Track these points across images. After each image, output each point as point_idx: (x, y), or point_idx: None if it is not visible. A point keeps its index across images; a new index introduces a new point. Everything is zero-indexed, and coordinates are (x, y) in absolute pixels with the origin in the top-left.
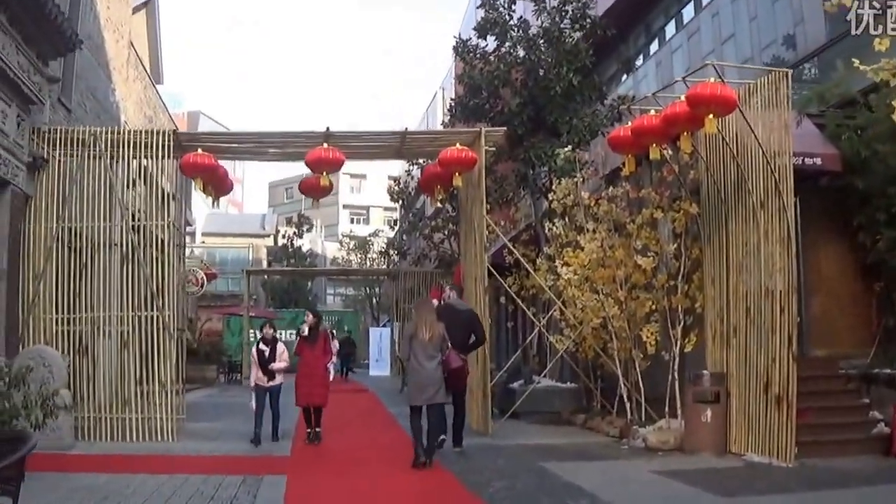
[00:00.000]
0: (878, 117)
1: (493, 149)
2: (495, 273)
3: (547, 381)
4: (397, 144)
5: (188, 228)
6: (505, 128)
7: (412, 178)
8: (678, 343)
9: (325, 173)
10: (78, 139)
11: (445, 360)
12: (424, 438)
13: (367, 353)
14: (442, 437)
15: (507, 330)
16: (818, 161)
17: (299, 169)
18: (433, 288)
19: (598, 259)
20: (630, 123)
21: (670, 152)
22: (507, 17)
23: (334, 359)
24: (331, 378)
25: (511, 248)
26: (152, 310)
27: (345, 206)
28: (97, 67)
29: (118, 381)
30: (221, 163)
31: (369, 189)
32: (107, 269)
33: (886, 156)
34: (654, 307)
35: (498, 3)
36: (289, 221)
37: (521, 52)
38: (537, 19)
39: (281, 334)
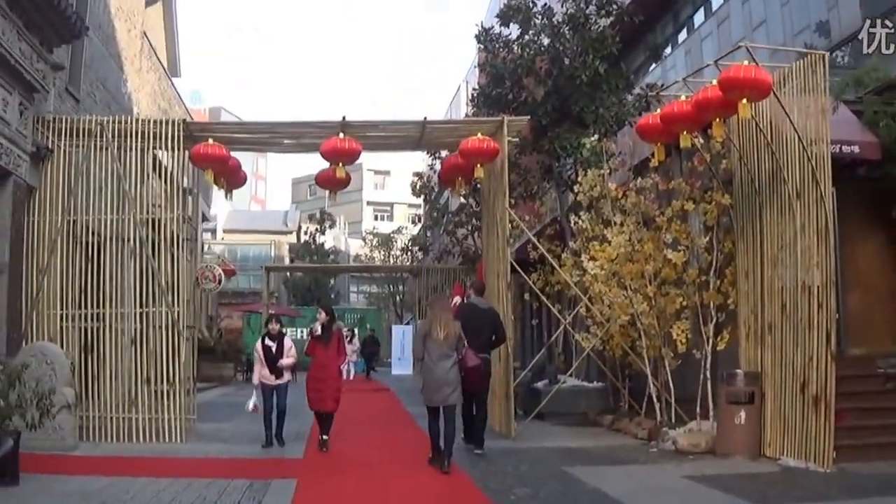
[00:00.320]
0: None
1: (517, 139)
2: (519, 269)
3: (573, 381)
4: (417, 135)
5: (208, 224)
6: (528, 117)
7: (434, 172)
8: (710, 341)
9: (340, 164)
10: (84, 129)
11: (462, 359)
12: (442, 441)
13: (390, 351)
14: (472, 447)
15: (532, 328)
16: (855, 149)
17: (324, 164)
18: (456, 284)
19: (626, 253)
20: (659, 111)
21: (701, 141)
22: (530, 3)
23: (351, 359)
24: (351, 377)
25: (536, 242)
26: (162, 306)
27: (368, 203)
28: (108, 57)
29: (125, 379)
30: (236, 155)
31: (393, 185)
32: (115, 264)
33: None
34: (684, 303)
35: None
36: (311, 218)
37: (546, 40)
38: (562, 6)
39: (302, 333)
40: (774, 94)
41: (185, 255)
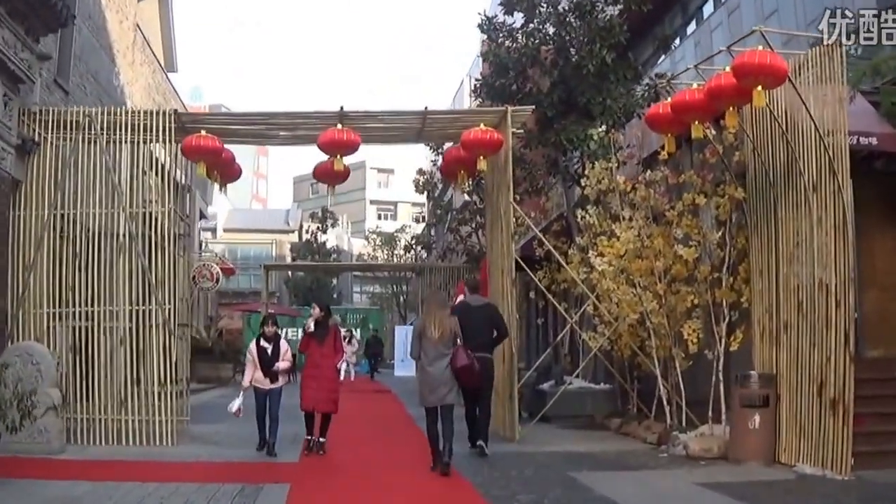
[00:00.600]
0: None
1: (521, 131)
2: (525, 266)
3: (579, 382)
4: (418, 126)
5: (207, 223)
6: (533, 107)
7: (437, 167)
8: (722, 341)
9: (338, 156)
10: (72, 121)
11: (452, 358)
12: (441, 443)
13: (393, 352)
14: (479, 442)
15: (538, 327)
16: (873, 140)
17: (324, 159)
18: (460, 283)
19: (635, 249)
20: (669, 100)
21: (713, 132)
22: None
23: (350, 360)
24: (351, 378)
25: (542, 238)
26: (152, 304)
27: (372, 202)
28: (99, 49)
29: (115, 380)
30: (234, 149)
31: (397, 184)
32: (104, 260)
33: None
34: (696, 302)
35: None
36: (313, 216)
37: (551, 29)
38: None
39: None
40: (790, 81)
41: (178, 252)
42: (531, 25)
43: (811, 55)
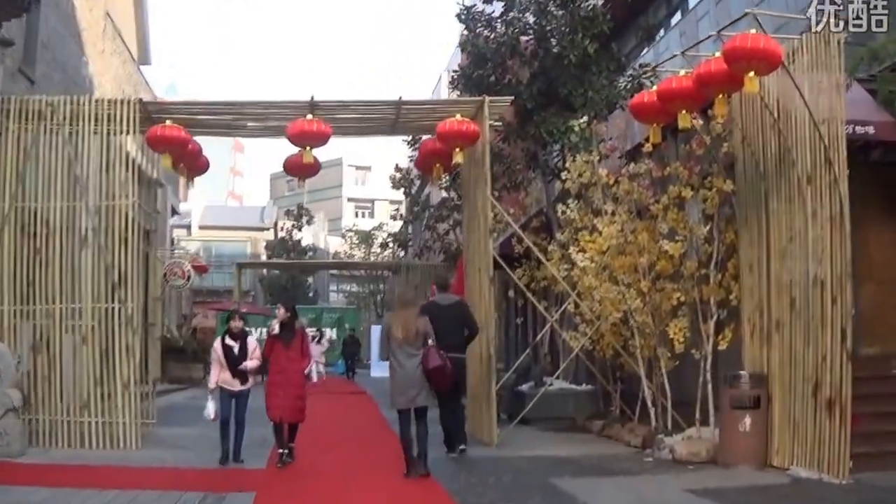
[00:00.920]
0: None
1: (499, 123)
2: (503, 264)
3: (560, 384)
4: (392, 116)
5: (181, 220)
6: (512, 98)
7: (413, 162)
8: (710, 340)
9: (307, 148)
10: (34, 110)
11: (423, 359)
12: (415, 447)
13: (369, 352)
14: (462, 446)
15: (517, 326)
16: (870, 129)
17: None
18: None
19: (618, 245)
20: (655, 88)
21: (701, 122)
22: None
23: (319, 360)
24: (315, 380)
25: (521, 234)
26: (115, 301)
27: (349, 200)
28: (67, 37)
29: (78, 380)
30: (207, 141)
31: (375, 181)
32: (67, 256)
33: None
34: (682, 299)
35: None
36: (288, 214)
37: (531, 18)
38: None
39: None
40: (784, 66)
41: (145, 247)
42: (511, 14)
43: (805, 41)
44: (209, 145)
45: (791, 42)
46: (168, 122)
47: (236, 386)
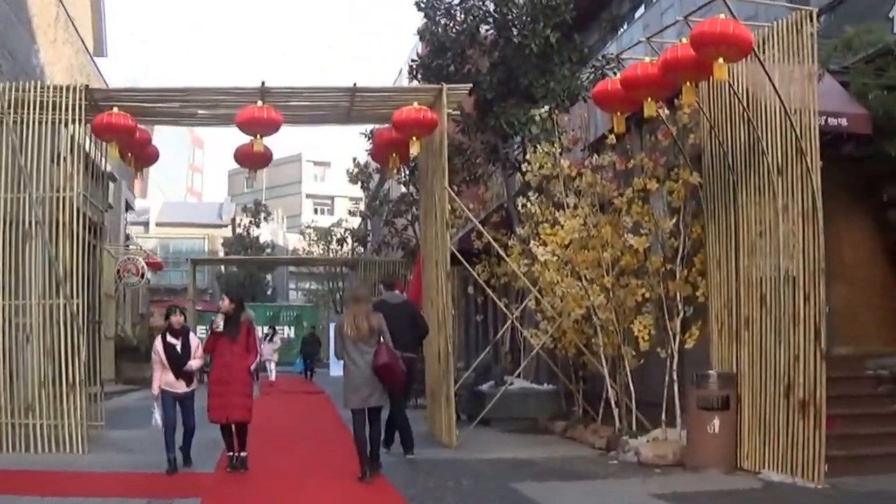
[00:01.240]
0: None
1: (458, 112)
2: (462, 260)
3: (521, 383)
4: (346, 104)
5: (139, 217)
6: (470, 85)
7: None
8: (676, 338)
9: (258, 136)
10: None
11: (374, 356)
12: (369, 448)
13: (328, 351)
14: (409, 455)
15: (477, 324)
16: (843, 122)
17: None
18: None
19: (581, 239)
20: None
21: (667, 112)
22: None
23: (272, 358)
24: (271, 379)
25: (480, 228)
26: (60, 297)
27: (308, 196)
28: (17, 24)
29: (22, 381)
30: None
31: (334, 178)
32: (10, 250)
33: None
34: (647, 296)
35: None
36: (245, 210)
37: (492, 6)
38: None
39: None
40: (755, 54)
41: (90, 240)
42: (470, 2)
43: (777, 28)
44: (167, 141)
45: (761, 30)
46: (115, 110)
47: (180, 388)
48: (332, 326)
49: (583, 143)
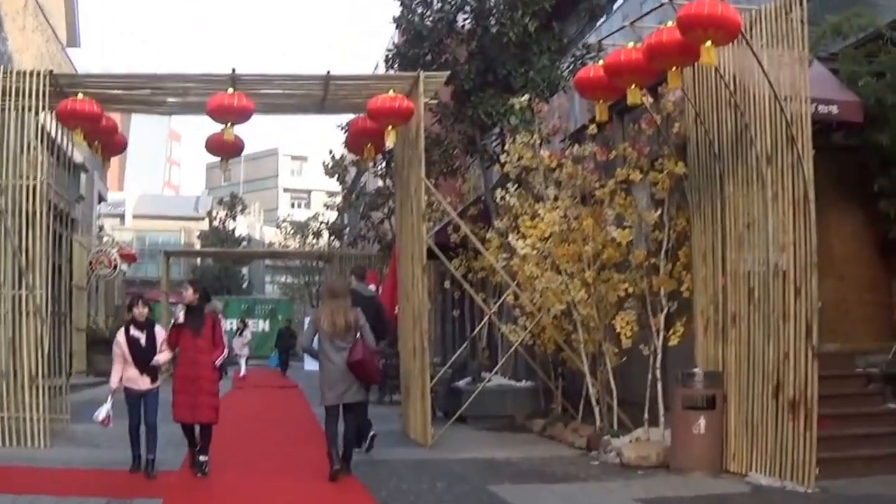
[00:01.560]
0: None
1: (435, 101)
2: (439, 253)
3: (499, 379)
4: (320, 93)
5: (116, 209)
6: (448, 72)
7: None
8: (660, 335)
9: (228, 125)
10: None
11: (349, 352)
12: (340, 445)
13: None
14: (372, 433)
15: (453, 319)
16: (834, 109)
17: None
18: (371, 271)
19: (561, 232)
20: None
21: (650, 100)
22: None
23: (242, 353)
24: (242, 374)
25: (458, 220)
26: (22, 288)
27: (285, 190)
28: None
29: None
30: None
31: (311, 172)
32: None
33: None
34: (629, 290)
35: None
36: (221, 202)
37: None
38: None
39: None
40: (744, 37)
41: (57, 230)
42: None
43: (765, 12)
44: (145, 135)
45: (748, 14)
46: (80, 96)
47: (144, 385)
48: (305, 321)
49: (563, 133)
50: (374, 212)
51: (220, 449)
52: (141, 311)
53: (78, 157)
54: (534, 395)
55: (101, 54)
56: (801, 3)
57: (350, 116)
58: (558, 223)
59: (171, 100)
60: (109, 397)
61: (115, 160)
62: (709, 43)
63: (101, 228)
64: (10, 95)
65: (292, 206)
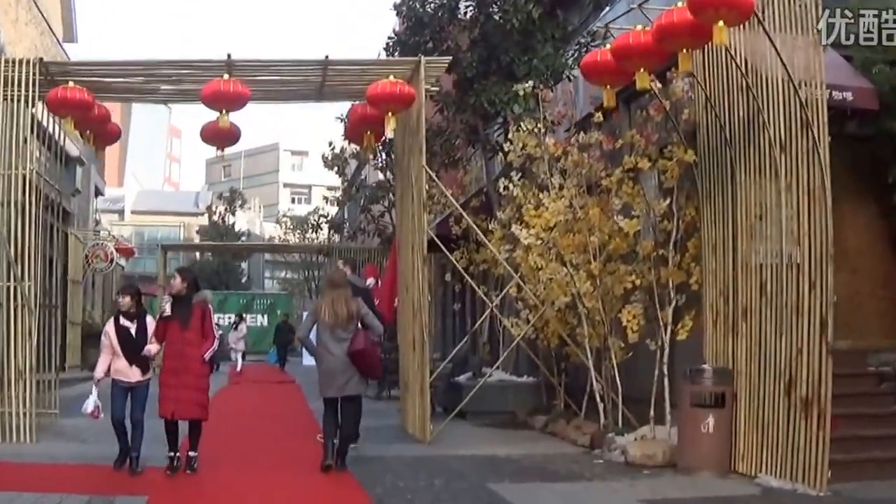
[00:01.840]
0: None
1: (436, 89)
2: (441, 245)
3: (500, 374)
4: (318, 78)
5: (115, 204)
6: (450, 58)
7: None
8: (668, 329)
9: (223, 112)
10: None
11: (350, 342)
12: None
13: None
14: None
15: (454, 313)
16: (848, 96)
17: (238, 145)
18: (369, 265)
19: (566, 223)
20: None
21: (659, 86)
22: None
23: (237, 347)
24: (238, 369)
25: (460, 210)
26: (10, 280)
27: (286, 185)
28: None
29: None
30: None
31: (311, 167)
32: None
33: None
34: (636, 283)
35: None
36: (221, 197)
37: None
38: None
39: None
40: (757, 17)
41: (48, 220)
42: None
43: None
44: (145, 130)
45: None
46: (71, 84)
47: (133, 377)
48: (304, 316)
49: (568, 121)
50: (375, 205)
51: (211, 445)
52: (125, 301)
53: (74, 150)
54: (536, 390)
55: (100, 50)
56: None
57: (349, 108)
58: (563, 213)
59: (165, 87)
60: (94, 388)
61: (114, 156)
62: (721, 23)
63: (97, 222)
64: None
65: (293, 201)
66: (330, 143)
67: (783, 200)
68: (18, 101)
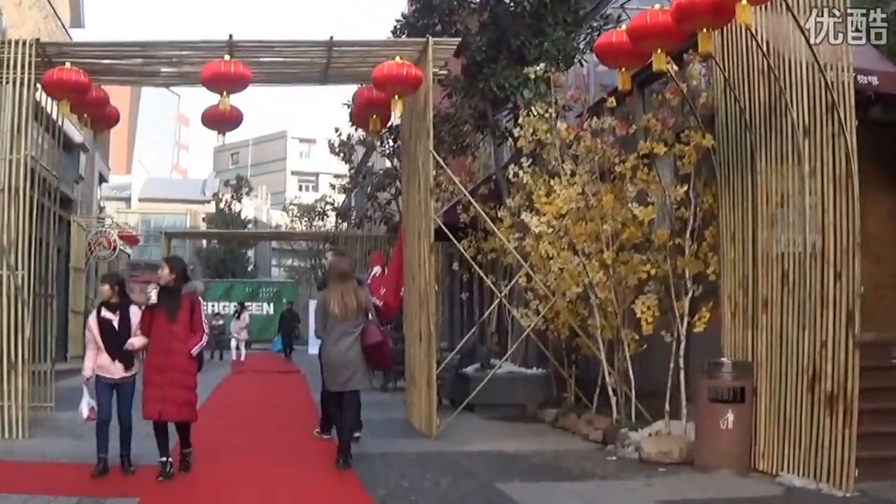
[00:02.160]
0: None
1: (444, 72)
2: (448, 233)
3: (508, 366)
4: (323, 60)
5: (122, 192)
6: (459, 39)
7: (356, 129)
8: (684, 321)
9: (224, 94)
10: None
11: (362, 334)
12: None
13: (308, 327)
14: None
15: (462, 303)
16: (874, 80)
17: (245, 133)
18: (376, 253)
19: (578, 210)
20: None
21: (675, 68)
22: None
23: (240, 336)
24: (242, 359)
25: (469, 197)
26: (3, 269)
27: (293, 173)
28: None
29: None
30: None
31: (319, 154)
32: None
33: None
34: (651, 273)
35: None
36: (227, 185)
37: None
38: None
39: (212, 307)
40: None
41: (46, 204)
42: None
43: None
44: (154, 117)
45: None
46: (67, 65)
47: (117, 373)
48: (311, 304)
49: (581, 106)
50: (381, 192)
51: (209, 440)
52: (103, 290)
53: (78, 136)
54: (545, 383)
55: (107, 36)
56: None
57: (355, 91)
58: (575, 200)
59: (165, 69)
60: (84, 388)
61: (122, 143)
62: (744, 1)
63: (101, 209)
64: None
65: (300, 188)
66: (336, 130)
67: (806, 187)
68: (15, 84)
